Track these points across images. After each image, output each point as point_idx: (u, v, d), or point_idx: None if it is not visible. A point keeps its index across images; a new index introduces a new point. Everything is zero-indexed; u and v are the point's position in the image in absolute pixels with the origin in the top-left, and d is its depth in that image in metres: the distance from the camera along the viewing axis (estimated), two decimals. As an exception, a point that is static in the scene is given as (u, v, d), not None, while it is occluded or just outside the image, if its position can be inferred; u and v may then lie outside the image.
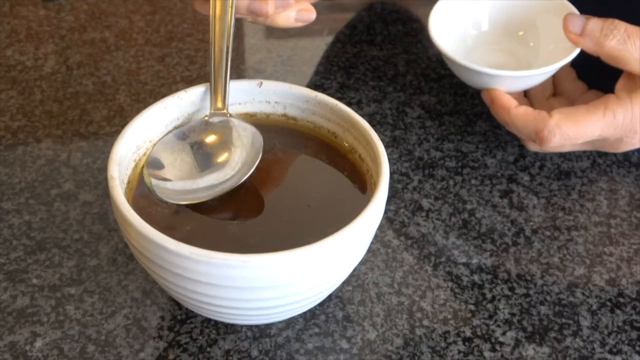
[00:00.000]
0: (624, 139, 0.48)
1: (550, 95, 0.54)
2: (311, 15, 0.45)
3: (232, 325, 0.42)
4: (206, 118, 0.43)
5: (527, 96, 0.54)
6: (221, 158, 0.42)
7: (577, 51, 0.48)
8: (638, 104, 0.46)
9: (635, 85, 0.46)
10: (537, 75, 0.49)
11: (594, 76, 0.52)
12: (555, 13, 0.52)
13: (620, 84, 0.47)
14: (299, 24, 0.45)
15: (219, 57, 0.42)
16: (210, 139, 0.42)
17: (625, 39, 0.45)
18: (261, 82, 0.44)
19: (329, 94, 0.44)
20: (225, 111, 0.42)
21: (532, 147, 0.52)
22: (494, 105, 0.49)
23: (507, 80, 0.49)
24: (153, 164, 0.41)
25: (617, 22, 0.46)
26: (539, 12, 0.55)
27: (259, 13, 0.42)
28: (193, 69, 0.62)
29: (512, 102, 0.48)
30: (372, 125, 0.42)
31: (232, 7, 0.41)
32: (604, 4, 0.51)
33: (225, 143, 0.42)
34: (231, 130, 0.42)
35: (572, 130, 0.46)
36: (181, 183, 0.41)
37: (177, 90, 0.43)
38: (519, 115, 0.48)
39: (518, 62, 0.55)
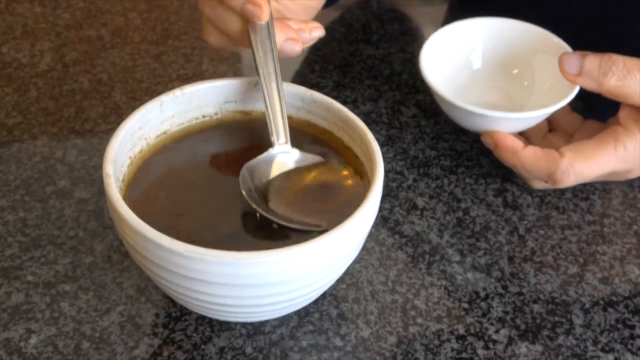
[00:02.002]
0: (633, 170, 0.47)
1: (546, 131, 0.52)
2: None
3: (227, 322, 0.42)
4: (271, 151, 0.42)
5: (522, 134, 0.52)
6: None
7: (576, 89, 0.47)
8: None
9: None
10: (540, 115, 0.48)
11: (590, 98, 0.51)
12: (549, 53, 0.52)
13: (624, 113, 0.46)
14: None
15: (275, 96, 0.42)
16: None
17: (625, 75, 0.45)
18: (257, 81, 0.44)
19: (324, 93, 0.44)
20: (288, 145, 0.42)
21: (538, 185, 0.50)
22: (499, 149, 0.48)
23: (509, 122, 0.48)
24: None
25: (614, 57, 0.45)
26: (533, 51, 0.53)
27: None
28: (189, 67, 0.62)
29: (518, 144, 0.47)
30: (368, 124, 0.42)
31: (274, 45, 0.41)
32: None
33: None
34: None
35: (586, 168, 0.45)
36: None
37: (173, 88, 0.43)
38: (528, 158, 0.46)
39: (512, 101, 0.54)
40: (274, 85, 0.42)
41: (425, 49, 0.51)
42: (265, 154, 0.42)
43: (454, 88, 0.53)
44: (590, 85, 0.46)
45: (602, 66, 0.45)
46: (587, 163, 0.45)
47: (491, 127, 0.48)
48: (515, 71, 0.54)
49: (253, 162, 0.41)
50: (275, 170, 0.42)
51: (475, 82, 0.55)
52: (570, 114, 0.52)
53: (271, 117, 0.42)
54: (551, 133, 0.52)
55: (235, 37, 0.42)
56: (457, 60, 0.55)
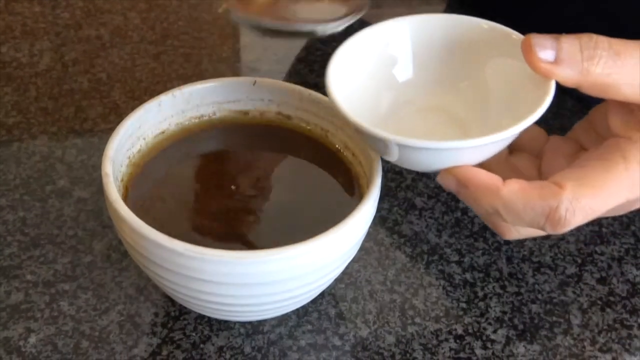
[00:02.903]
0: None
1: (506, 155, 0.40)
2: None
3: (226, 321, 0.42)
4: None
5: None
6: None
7: (553, 88, 0.34)
8: None
9: None
10: (509, 137, 0.33)
11: None
12: (506, 54, 0.38)
13: (617, 120, 0.35)
14: None
15: None
16: None
17: (614, 59, 0.33)
18: (255, 80, 0.44)
19: (323, 93, 0.44)
20: None
21: (518, 233, 0.38)
22: (470, 190, 0.34)
23: (468, 153, 0.34)
24: None
25: (595, 36, 0.34)
26: (484, 53, 0.39)
27: None
28: (188, 67, 0.62)
29: (496, 179, 0.34)
30: (366, 124, 0.42)
31: None
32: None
33: None
34: None
35: (596, 201, 0.33)
36: None
37: (172, 87, 0.43)
38: (515, 196, 0.33)
39: (458, 122, 0.40)
40: None
41: (333, 66, 0.38)
42: None
43: (376, 114, 0.39)
44: (571, 77, 0.34)
45: (585, 49, 0.33)
46: (596, 194, 0.33)
47: (446, 163, 0.34)
48: (464, 83, 0.40)
49: None
50: None
51: (405, 103, 0.40)
52: (533, 128, 0.38)
53: None
54: (513, 155, 0.40)
55: None
56: (376, 75, 0.40)
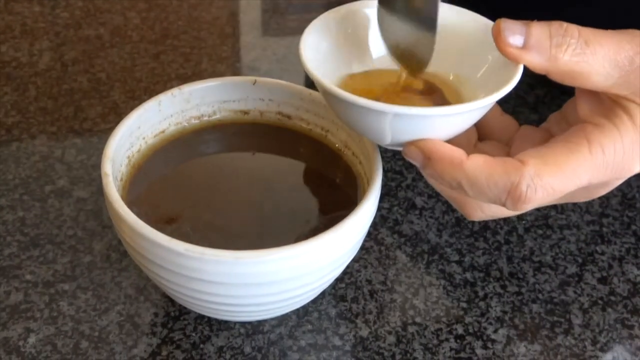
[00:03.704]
0: (610, 181, 0.36)
1: (476, 140, 0.40)
2: None
3: (225, 322, 0.42)
4: None
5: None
6: None
7: (520, 71, 0.35)
8: (629, 134, 0.34)
9: (610, 108, 0.35)
10: (485, 106, 0.34)
11: None
12: (482, 41, 0.38)
13: (585, 107, 0.36)
14: None
15: None
16: None
17: (582, 47, 0.33)
18: (255, 80, 0.44)
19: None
20: None
21: (481, 213, 0.38)
22: (434, 162, 0.34)
23: (442, 122, 0.34)
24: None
25: (565, 25, 0.34)
26: (458, 38, 0.39)
27: None
28: (188, 67, 0.62)
29: (460, 152, 0.34)
30: (366, 124, 0.42)
31: None
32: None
33: None
34: None
35: (557, 179, 0.33)
36: None
37: (172, 87, 0.43)
38: (478, 169, 0.33)
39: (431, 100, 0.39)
40: None
41: (306, 37, 0.37)
42: None
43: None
44: (539, 63, 0.34)
45: (554, 36, 0.34)
46: (558, 173, 0.33)
47: (414, 133, 0.34)
48: (436, 63, 0.39)
49: None
50: None
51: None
52: (503, 116, 0.40)
53: None
54: (482, 142, 0.40)
55: None
56: (350, 48, 0.40)
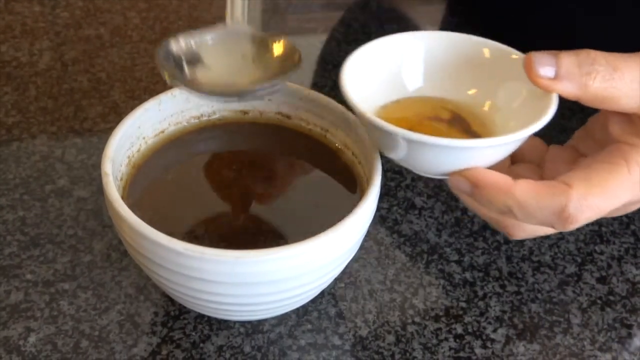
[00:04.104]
0: None
1: (509, 164, 0.41)
2: None
3: (225, 321, 0.42)
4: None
5: None
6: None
7: (556, 100, 0.36)
8: None
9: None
10: (520, 139, 0.35)
11: None
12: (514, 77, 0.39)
13: (617, 128, 0.37)
14: None
15: None
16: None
17: (611, 73, 0.35)
18: (255, 80, 0.44)
19: (323, 93, 0.44)
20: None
21: (524, 233, 0.39)
22: (482, 189, 0.35)
23: (479, 153, 0.35)
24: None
25: (592, 53, 0.36)
26: (496, 70, 0.41)
27: None
28: (188, 66, 0.62)
29: (507, 179, 0.35)
30: (366, 124, 0.42)
31: None
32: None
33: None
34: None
35: (601, 200, 0.35)
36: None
37: (172, 87, 0.43)
38: (527, 194, 0.35)
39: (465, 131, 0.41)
40: None
41: (348, 68, 0.38)
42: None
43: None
44: (572, 91, 0.36)
45: (583, 65, 0.35)
46: (602, 194, 0.35)
47: (455, 164, 0.36)
48: (472, 91, 0.41)
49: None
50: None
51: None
52: (533, 139, 0.41)
53: None
54: (515, 165, 0.41)
55: None
56: (387, 82, 0.41)
